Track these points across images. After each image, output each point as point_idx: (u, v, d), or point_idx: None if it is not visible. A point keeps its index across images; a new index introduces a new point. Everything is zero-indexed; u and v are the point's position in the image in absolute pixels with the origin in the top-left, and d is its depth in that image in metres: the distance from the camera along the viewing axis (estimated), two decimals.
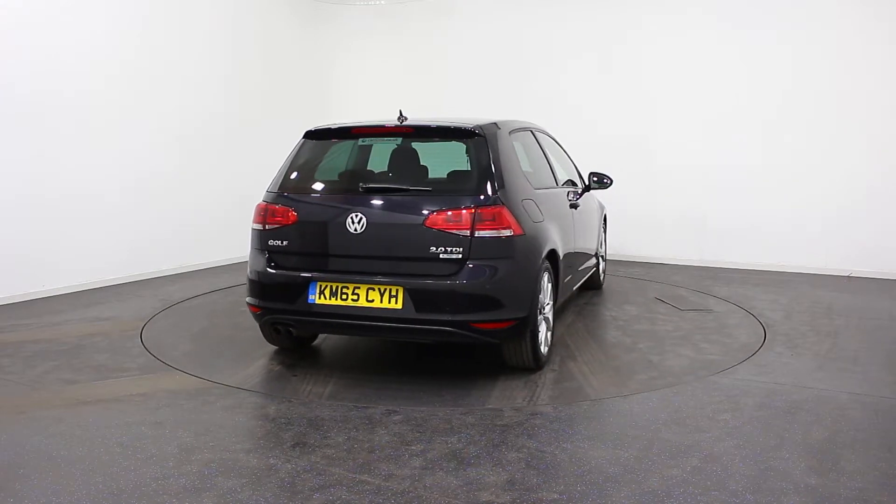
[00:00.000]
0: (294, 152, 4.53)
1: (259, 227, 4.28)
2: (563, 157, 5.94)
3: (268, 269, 4.20)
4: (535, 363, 4.25)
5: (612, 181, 5.98)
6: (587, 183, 5.95)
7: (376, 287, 3.92)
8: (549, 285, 4.46)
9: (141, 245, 7.29)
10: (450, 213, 3.88)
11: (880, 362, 4.51)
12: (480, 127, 4.21)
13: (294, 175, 4.40)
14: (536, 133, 5.34)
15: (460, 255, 3.85)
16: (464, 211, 3.88)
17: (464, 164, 4.26)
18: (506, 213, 3.96)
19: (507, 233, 3.94)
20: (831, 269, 7.53)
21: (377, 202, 4.07)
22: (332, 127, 4.49)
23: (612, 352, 4.77)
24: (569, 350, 4.80)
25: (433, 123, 4.37)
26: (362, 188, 4.21)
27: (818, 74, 7.45)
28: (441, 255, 3.86)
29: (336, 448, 3.23)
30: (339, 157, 4.63)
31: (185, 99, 7.73)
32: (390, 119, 4.48)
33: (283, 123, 8.75)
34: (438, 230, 3.87)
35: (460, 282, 3.84)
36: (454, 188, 4.21)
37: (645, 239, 8.45)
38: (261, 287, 4.23)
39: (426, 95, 9.57)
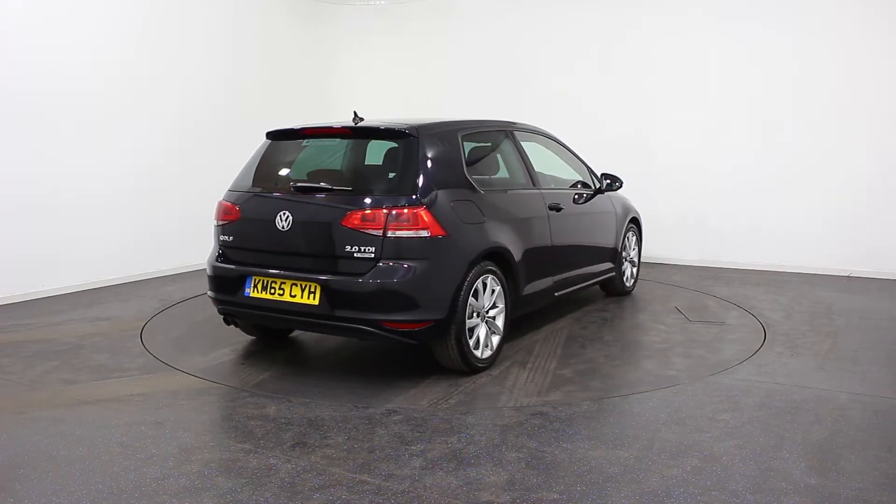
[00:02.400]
0: (256, 152, 4.75)
1: (215, 223, 4.57)
2: (571, 158, 5.85)
3: (216, 263, 4.48)
4: (466, 366, 4.21)
5: (622, 183, 5.96)
6: (600, 185, 5.87)
7: (298, 283, 4.08)
8: (498, 289, 4.40)
9: (141, 245, 7.29)
10: (365, 212, 3.95)
11: (880, 362, 4.51)
12: (415, 128, 4.24)
13: (248, 174, 4.62)
14: (516, 134, 5.21)
15: (373, 255, 3.92)
16: (378, 211, 3.94)
17: (395, 165, 4.27)
18: (423, 213, 3.95)
19: (425, 233, 3.94)
20: (831, 269, 7.53)
21: (302, 201, 4.22)
22: (287, 128, 4.65)
23: (569, 360, 4.56)
24: (529, 355, 4.67)
25: (371, 125, 4.43)
26: (293, 187, 4.33)
27: (819, 74, 7.44)
28: (355, 254, 3.95)
29: (336, 448, 3.23)
30: (289, 157, 4.72)
31: (185, 99, 7.73)
32: (343, 121, 4.61)
33: (282, 123, 8.66)
34: (353, 229, 3.95)
35: (370, 281, 3.89)
36: (375, 188, 4.23)
37: (645, 239, 8.44)
38: (211, 280, 4.50)
39: (426, 95, 9.57)
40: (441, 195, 4.11)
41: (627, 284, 6.57)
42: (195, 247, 7.93)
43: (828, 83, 7.41)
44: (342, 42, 9.90)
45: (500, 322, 4.47)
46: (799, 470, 2.99)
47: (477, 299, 4.24)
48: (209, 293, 4.56)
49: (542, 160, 5.73)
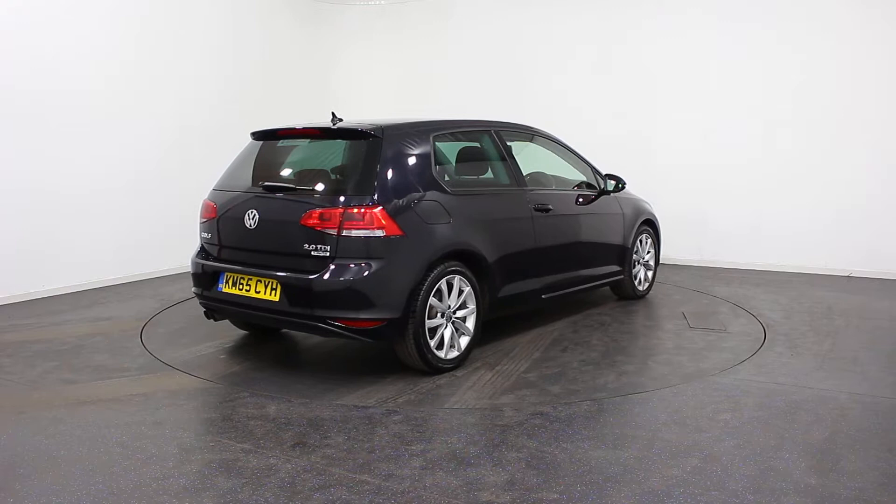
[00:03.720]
0: (240, 152, 4.89)
1: (200, 220, 4.75)
2: (574, 159, 5.76)
3: (195, 259, 4.68)
4: (426, 366, 4.20)
5: (624, 183, 5.88)
6: (604, 186, 5.79)
7: (262, 280, 4.20)
8: (467, 290, 4.38)
9: (141, 245, 7.29)
10: (322, 212, 4.01)
11: (880, 362, 4.51)
12: (380, 129, 4.28)
13: (229, 173, 4.77)
14: (502, 134, 5.14)
15: (327, 253, 3.98)
16: (334, 210, 4.00)
17: (357, 165, 4.28)
18: (379, 213, 3.98)
19: (380, 233, 3.96)
20: (831, 269, 7.53)
21: (268, 200, 4.32)
22: (267, 129, 4.76)
23: (542, 364, 4.47)
24: (504, 357, 4.62)
25: (340, 126, 4.44)
26: (261, 187, 4.42)
27: (819, 74, 7.44)
28: (312, 253, 4.02)
29: (336, 448, 3.23)
30: (266, 157, 4.77)
31: (184, 98, 7.73)
32: (322, 121, 4.67)
33: (282, 123, 8.71)
34: (311, 228, 4.02)
35: (322, 279, 3.94)
36: (335, 188, 4.26)
37: None
38: (192, 275, 4.70)
39: (426, 95, 9.58)
40: (401, 195, 4.14)
41: (640, 288, 6.38)
42: (195, 247, 7.94)
43: (828, 83, 7.41)
44: (342, 42, 9.90)
45: (470, 323, 4.45)
46: (799, 470, 2.99)
47: (441, 300, 4.24)
48: (192, 288, 4.73)
49: (539, 161, 5.72)
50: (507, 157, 5.09)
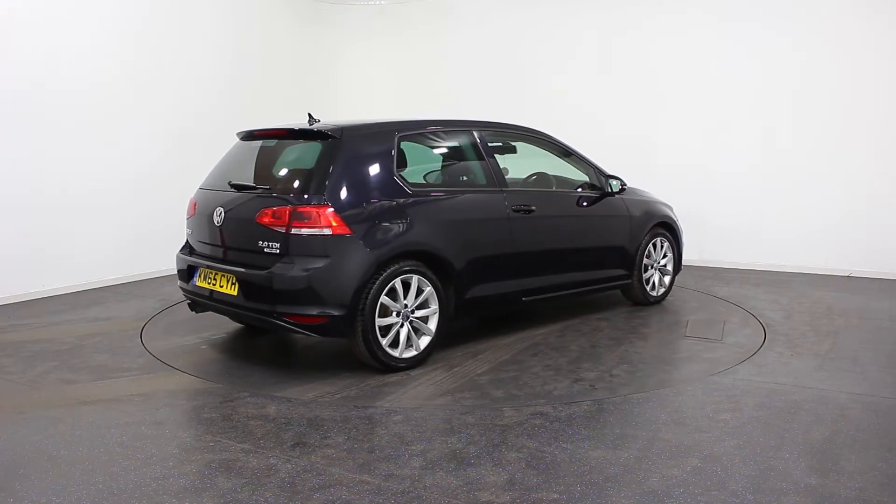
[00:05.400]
0: (227, 152, 5.06)
1: (185, 217, 5.02)
2: (575, 160, 5.66)
3: (179, 254, 4.95)
4: (378, 363, 4.25)
5: (624, 185, 5.78)
6: (607, 187, 5.67)
7: (225, 275, 4.40)
8: (428, 290, 4.38)
9: (141, 245, 7.29)
10: (273, 210, 4.16)
11: (880, 362, 4.51)
12: (340, 130, 4.38)
13: (213, 172, 4.94)
14: (484, 134, 5.07)
15: (278, 251, 4.12)
16: (283, 209, 4.13)
17: (314, 165, 4.35)
18: (326, 212, 4.07)
19: (327, 232, 4.05)
20: (831, 269, 7.53)
21: (233, 199, 4.48)
22: (248, 130, 4.95)
23: (503, 368, 4.39)
24: (470, 359, 4.57)
25: (307, 127, 4.54)
26: (230, 185, 4.56)
27: (819, 74, 7.44)
28: (265, 250, 4.18)
29: (336, 448, 3.23)
30: (243, 156, 4.89)
31: (185, 98, 7.73)
32: (299, 123, 4.78)
33: (282, 123, 8.73)
34: (265, 226, 4.17)
35: (270, 275, 4.08)
36: (291, 188, 4.35)
37: None
38: (178, 270, 4.95)
39: (426, 95, 9.57)
40: (354, 195, 4.22)
41: (653, 293, 6.10)
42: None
43: (828, 83, 7.41)
44: (342, 42, 9.90)
45: (432, 324, 4.46)
46: (799, 470, 2.99)
47: (395, 299, 4.26)
48: (178, 281, 5.00)
49: (537, 162, 5.68)
50: (487, 158, 5.01)
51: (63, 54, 6.52)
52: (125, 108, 7.10)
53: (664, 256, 6.23)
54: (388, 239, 4.24)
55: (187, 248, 4.94)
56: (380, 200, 4.30)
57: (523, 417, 3.59)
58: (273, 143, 4.81)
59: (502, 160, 5.74)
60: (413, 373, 4.32)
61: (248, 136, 4.92)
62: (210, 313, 4.95)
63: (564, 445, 3.25)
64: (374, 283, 4.14)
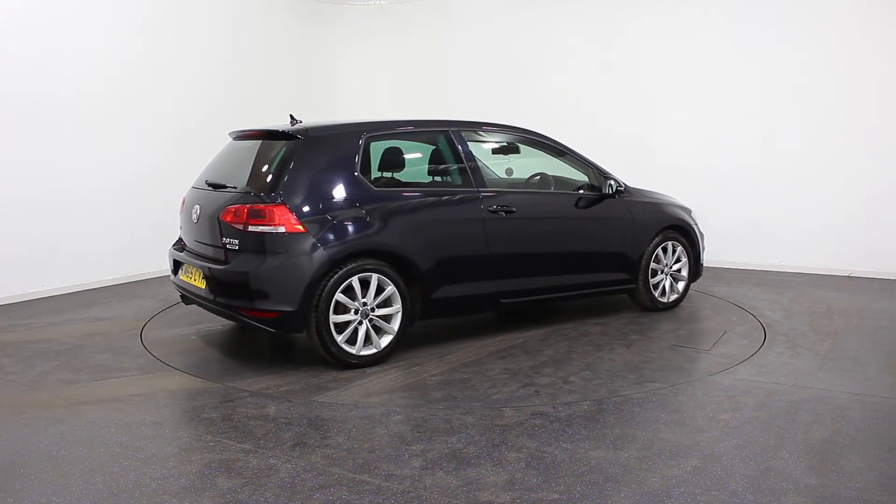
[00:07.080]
0: (219, 152, 5.24)
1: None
2: (573, 160, 5.55)
3: (171, 248, 5.16)
4: (333, 359, 4.31)
5: (623, 186, 5.62)
6: (605, 189, 5.50)
7: (198, 270, 4.58)
8: (390, 289, 4.38)
9: (141, 244, 7.29)
10: (235, 208, 4.32)
11: (880, 362, 4.51)
12: (304, 130, 4.50)
13: (203, 172, 5.09)
14: (462, 134, 5.02)
15: (237, 247, 4.29)
16: (242, 207, 4.29)
17: (277, 165, 4.46)
18: (280, 211, 4.19)
19: (281, 230, 4.17)
20: (831, 269, 7.52)
21: (207, 197, 4.67)
22: (235, 130, 5.11)
23: (459, 370, 4.33)
24: (434, 359, 4.54)
25: (276, 128, 4.69)
26: (206, 184, 4.78)
27: (819, 74, 7.44)
28: (227, 246, 4.35)
29: (336, 448, 3.23)
30: (227, 156, 5.04)
31: (184, 98, 7.73)
32: (282, 124, 4.88)
33: (282, 123, 8.73)
34: (227, 223, 4.34)
35: (227, 270, 4.29)
36: (252, 186, 4.46)
37: None
38: (170, 263, 5.12)
39: (426, 95, 9.57)
40: (311, 194, 4.32)
41: (662, 300, 5.83)
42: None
43: (828, 83, 7.41)
44: (342, 42, 9.90)
45: (395, 323, 4.47)
46: (799, 470, 2.99)
47: (353, 298, 4.30)
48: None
49: (536, 162, 5.66)
50: (465, 159, 4.95)
51: (63, 54, 6.52)
52: (125, 107, 7.10)
53: (678, 261, 5.94)
54: (345, 238, 4.30)
55: (178, 243, 5.14)
56: (338, 200, 4.39)
57: (523, 417, 3.59)
58: (251, 143, 4.88)
59: (506, 161, 5.72)
60: (370, 370, 4.34)
61: (237, 136, 5.08)
62: (207, 311, 4.98)
63: (564, 445, 3.25)
64: (328, 280, 4.22)
